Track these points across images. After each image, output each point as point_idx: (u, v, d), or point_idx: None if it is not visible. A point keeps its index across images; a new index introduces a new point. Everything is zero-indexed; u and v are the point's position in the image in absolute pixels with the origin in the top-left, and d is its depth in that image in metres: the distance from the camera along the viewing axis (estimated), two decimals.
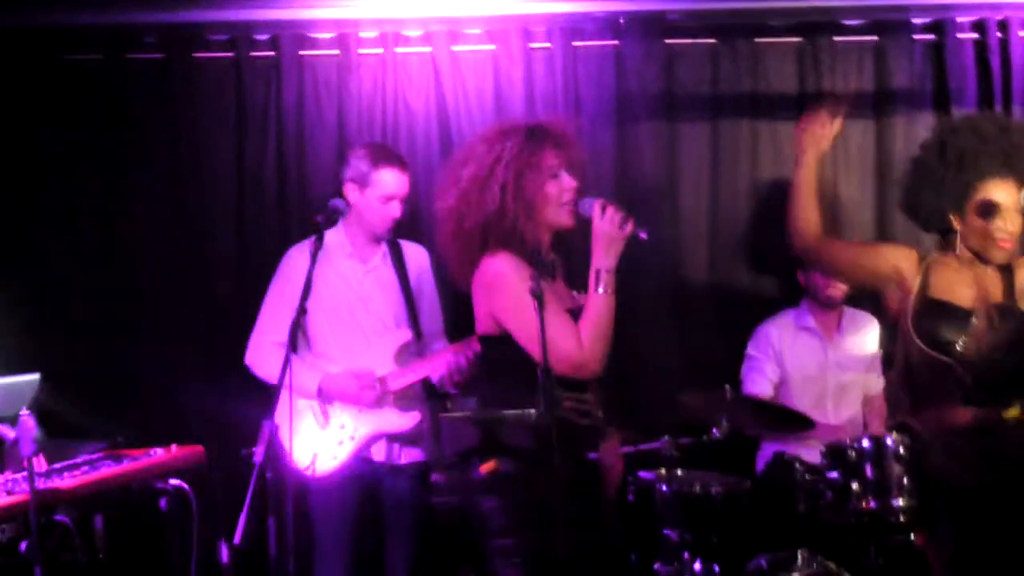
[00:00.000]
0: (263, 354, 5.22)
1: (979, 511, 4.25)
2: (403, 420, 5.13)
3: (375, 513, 5.24)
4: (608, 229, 4.04)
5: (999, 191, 4.36)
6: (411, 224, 6.00)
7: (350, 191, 5.18)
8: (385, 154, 5.27)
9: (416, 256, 5.42)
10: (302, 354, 5.16)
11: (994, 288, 4.41)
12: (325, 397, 5.09)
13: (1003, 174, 4.36)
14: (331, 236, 5.14)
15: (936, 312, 4.32)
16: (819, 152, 4.73)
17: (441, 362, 5.02)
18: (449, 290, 5.88)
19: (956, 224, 4.47)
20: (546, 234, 4.19)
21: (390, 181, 5.15)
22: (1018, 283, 4.45)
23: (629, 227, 4.04)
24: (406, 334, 5.22)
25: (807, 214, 4.64)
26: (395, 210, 5.18)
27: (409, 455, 5.23)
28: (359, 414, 5.09)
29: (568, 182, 4.16)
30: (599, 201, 4.11)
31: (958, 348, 4.25)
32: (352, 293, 5.23)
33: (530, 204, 4.10)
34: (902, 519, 4.90)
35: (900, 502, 4.87)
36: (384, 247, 5.32)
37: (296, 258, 5.23)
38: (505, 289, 4.08)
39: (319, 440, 5.04)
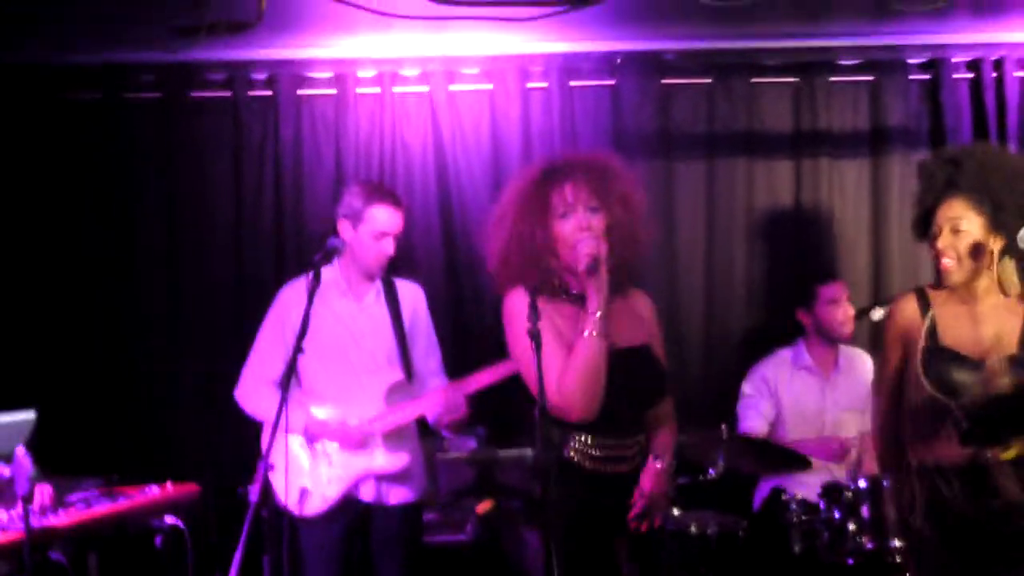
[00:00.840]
0: (253, 391, 5.18)
1: (964, 551, 4.22)
2: (391, 460, 5.05)
3: (364, 553, 5.16)
4: (582, 268, 3.96)
5: (943, 210, 4.33)
6: (408, 260, 6.05)
7: (344, 228, 5.13)
8: (379, 191, 5.23)
9: (410, 294, 5.35)
10: (292, 392, 4.98)
11: (1009, 325, 4.33)
12: (310, 437, 5.04)
13: (950, 194, 4.33)
14: (326, 274, 4.97)
15: (947, 360, 4.27)
16: None
17: (433, 402, 4.99)
18: (448, 328, 5.93)
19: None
20: (568, 273, 4.08)
21: (383, 218, 5.10)
22: None
23: (587, 260, 3.92)
24: (397, 374, 5.14)
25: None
26: (388, 247, 5.13)
27: (398, 495, 5.13)
28: (347, 453, 5.03)
29: (580, 221, 4.01)
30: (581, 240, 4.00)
31: (967, 397, 4.21)
32: (345, 332, 5.16)
33: (535, 245, 4.03)
34: (899, 560, 4.90)
35: (897, 543, 4.89)
36: (378, 285, 5.26)
37: (289, 296, 5.20)
38: (509, 325, 4.07)
39: (307, 479, 4.99)
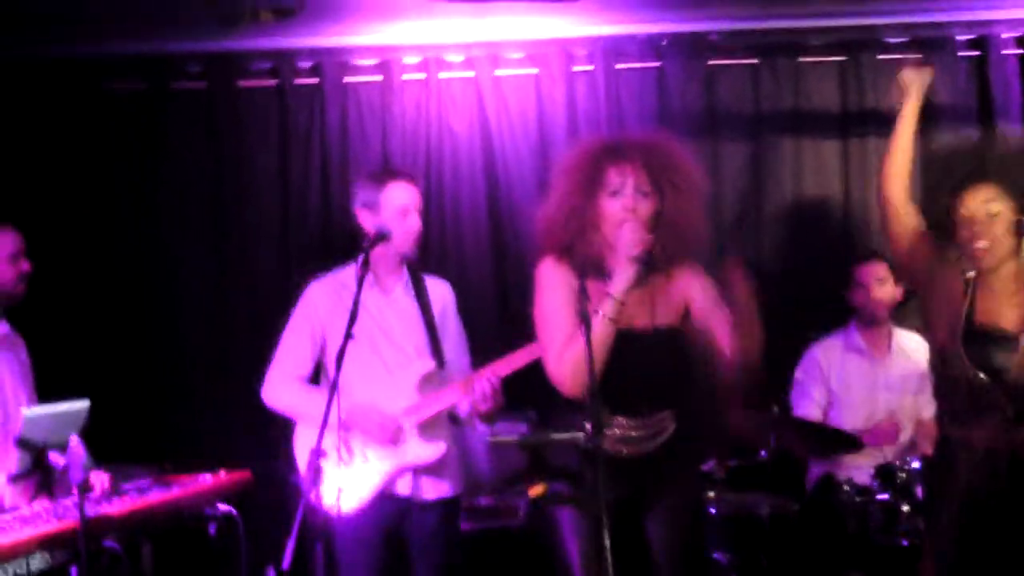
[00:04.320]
0: (281, 388, 5.07)
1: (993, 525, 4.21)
2: (428, 451, 4.93)
3: (401, 550, 5.02)
4: (623, 250, 3.98)
5: (971, 195, 4.30)
6: (456, 246, 6.14)
7: (364, 219, 5.04)
8: (390, 172, 5.24)
9: (439, 291, 5.23)
10: (322, 386, 5.02)
11: None
12: (346, 427, 4.81)
13: (975, 181, 4.30)
14: (351, 269, 5.01)
15: (985, 337, 4.27)
16: (918, 99, 4.61)
17: (465, 391, 4.86)
18: (495, 314, 5.94)
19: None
20: (606, 248, 4.07)
21: (401, 195, 5.00)
22: None
23: (635, 250, 3.95)
24: (428, 363, 5.01)
25: (894, 168, 4.54)
26: (415, 222, 5.03)
27: (435, 490, 5.01)
28: (382, 448, 4.92)
29: (627, 202, 4.02)
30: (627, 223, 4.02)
31: (1010, 374, 4.19)
32: (373, 324, 5.01)
33: (582, 218, 4.05)
34: None
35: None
36: (406, 278, 5.15)
37: (317, 291, 5.13)
38: (537, 293, 4.16)
39: (343, 477, 4.81)
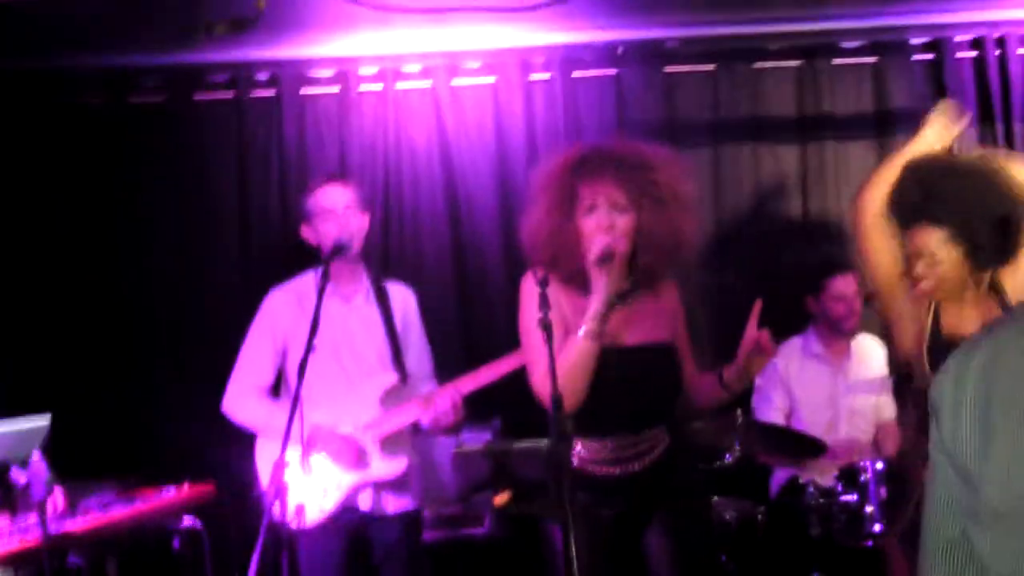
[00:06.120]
0: (242, 401, 5.04)
1: None
2: (390, 466, 4.90)
3: (364, 564, 5.00)
4: (590, 260, 3.89)
5: (918, 238, 4.13)
6: (415, 256, 6.11)
7: (308, 234, 5.05)
8: (319, 179, 5.23)
9: (401, 297, 5.20)
10: (283, 399, 4.97)
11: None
12: (309, 445, 4.75)
13: (923, 222, 4.13)
14: (311, 277, 4.99)
15: (949, 349, 4.20)
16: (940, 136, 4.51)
17: (429, 405, 4.83)
18: (457, 325, 5.92)
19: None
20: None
21: (329, 193, 5.00)
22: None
23: (593, 255, 3.86)
24: (392, 377, 4.99)
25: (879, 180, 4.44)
26: (349, 220, 4.97)
27: (396, 504, 4.98)
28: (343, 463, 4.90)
29: (601, 220, 3.92)
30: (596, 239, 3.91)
31: None
32: (335, 334, 4.94)
33: (562, 236, 3.96)
34: None
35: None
36: (367, 286, 5.12)
37: (278, 299, 5.09)
38: (520, 309, 4.08)
39: (304, 490, 4.72)
